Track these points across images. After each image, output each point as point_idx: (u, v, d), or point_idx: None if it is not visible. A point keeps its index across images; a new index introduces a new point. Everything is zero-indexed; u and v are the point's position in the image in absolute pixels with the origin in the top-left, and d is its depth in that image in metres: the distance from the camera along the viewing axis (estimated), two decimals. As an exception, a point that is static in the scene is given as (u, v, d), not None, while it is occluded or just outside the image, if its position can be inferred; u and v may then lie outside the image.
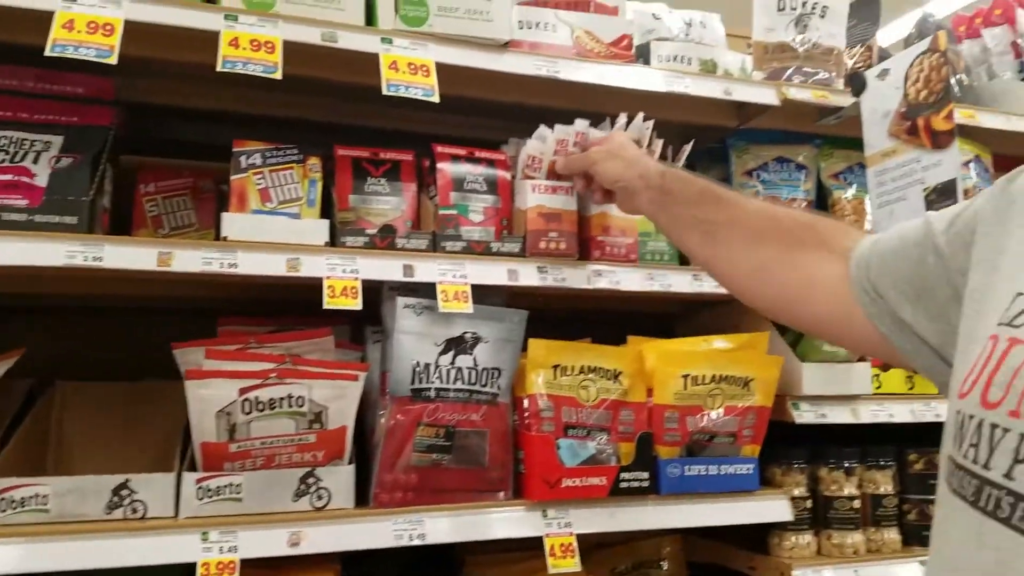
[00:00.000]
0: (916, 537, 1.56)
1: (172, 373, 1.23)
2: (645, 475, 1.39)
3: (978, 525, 0.56)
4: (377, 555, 1.57)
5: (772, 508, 1.44)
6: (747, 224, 0.96)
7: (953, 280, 0.72)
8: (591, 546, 1.67)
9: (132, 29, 1.13)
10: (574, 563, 1.31)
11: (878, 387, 1.55)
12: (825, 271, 0.86)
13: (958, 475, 0.59)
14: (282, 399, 1.22)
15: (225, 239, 1.21)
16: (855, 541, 1.51)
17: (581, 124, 1.41)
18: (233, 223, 1.22)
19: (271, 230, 1.23)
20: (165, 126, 1.55)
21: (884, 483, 1.56)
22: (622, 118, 1.48)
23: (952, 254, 0.72)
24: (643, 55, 1.63)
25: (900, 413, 1.54)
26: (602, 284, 1.44)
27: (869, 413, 1.50)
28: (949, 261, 0.72)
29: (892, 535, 1.55)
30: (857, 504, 1.52)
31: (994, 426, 0.56)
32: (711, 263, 1.04)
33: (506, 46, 1.39)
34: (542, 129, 1.46)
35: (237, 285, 1.34)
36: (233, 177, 1.28)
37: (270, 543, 1.17)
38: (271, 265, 1.20)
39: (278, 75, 1.17)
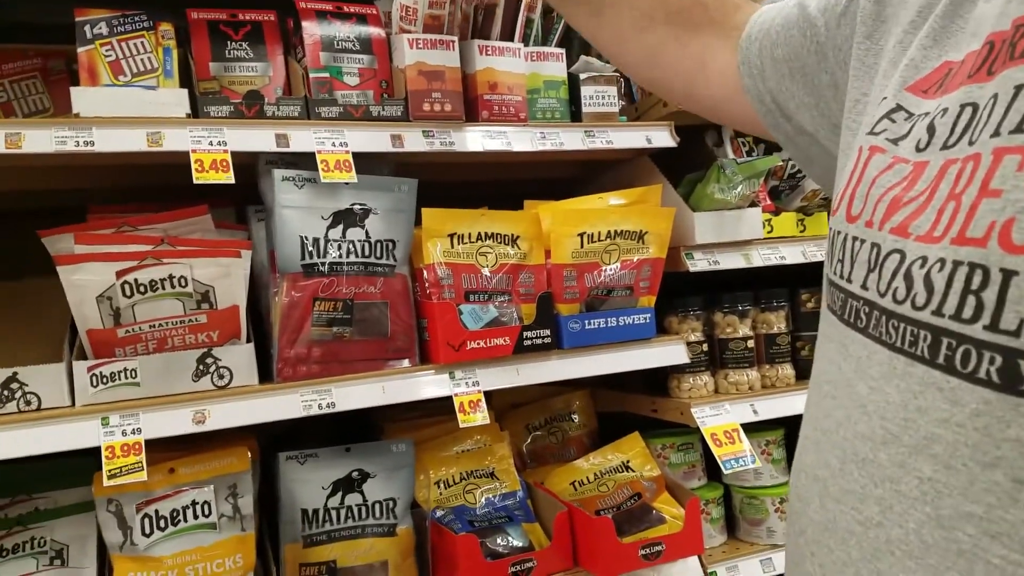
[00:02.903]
0: (810, 370, 1.64)
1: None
2: (547, 332, 1.43)
3: (842, 337, 0.56)
4: (299, 430, 1.60)
5: (669, 353, 1.50)
6: (634, 4, 0.89)
7: (837, 80, 0.69)
8: (507, 407, 1.75)
9: None
10: (482, 417, 1.35)
11: (770, 231, 1.59)
12: (716, 56, 0.83)
13: (831, 292, 0.59)
14: (163, 280, 1.19)
15: (77, 115, 1.14)
16: (751, 378, 1.59)
17: None
18: (83, 97, 1.14)
19: (126, 103, 1.15)
20: (3, 9, 1.42)
21: (778, 323, 1.63)
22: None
23: (836, 55, 0.69)
24: None
25: (792, 255, 1.59)
26: (493, 146, 1.41)
27: (761, 257, 1.54)
28: (835, 65, 0.69)
29: (786, 370, 1.63)
30: (751, 344, 1.60)
31: (855, 239, 0.55)
32: (599, 42, 0.97)
33: None
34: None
35: (104, 169, 1.27)
36: (80, 50, 1.19)
37: (174, 423, 1.18)
38: (130, 140, 1.14)
39: (106, -72, 1.07)
